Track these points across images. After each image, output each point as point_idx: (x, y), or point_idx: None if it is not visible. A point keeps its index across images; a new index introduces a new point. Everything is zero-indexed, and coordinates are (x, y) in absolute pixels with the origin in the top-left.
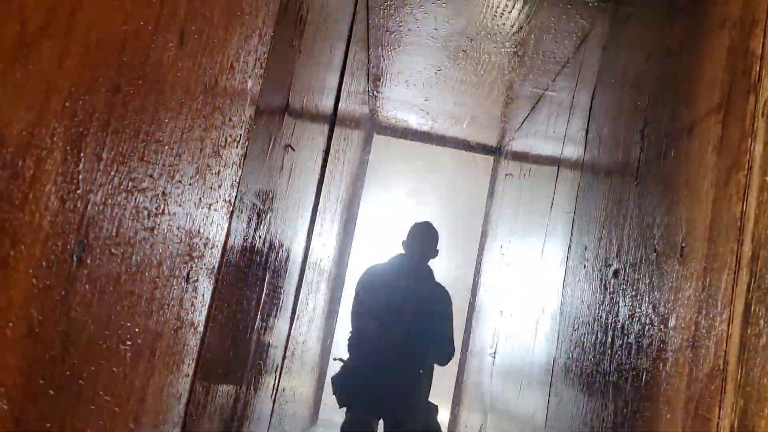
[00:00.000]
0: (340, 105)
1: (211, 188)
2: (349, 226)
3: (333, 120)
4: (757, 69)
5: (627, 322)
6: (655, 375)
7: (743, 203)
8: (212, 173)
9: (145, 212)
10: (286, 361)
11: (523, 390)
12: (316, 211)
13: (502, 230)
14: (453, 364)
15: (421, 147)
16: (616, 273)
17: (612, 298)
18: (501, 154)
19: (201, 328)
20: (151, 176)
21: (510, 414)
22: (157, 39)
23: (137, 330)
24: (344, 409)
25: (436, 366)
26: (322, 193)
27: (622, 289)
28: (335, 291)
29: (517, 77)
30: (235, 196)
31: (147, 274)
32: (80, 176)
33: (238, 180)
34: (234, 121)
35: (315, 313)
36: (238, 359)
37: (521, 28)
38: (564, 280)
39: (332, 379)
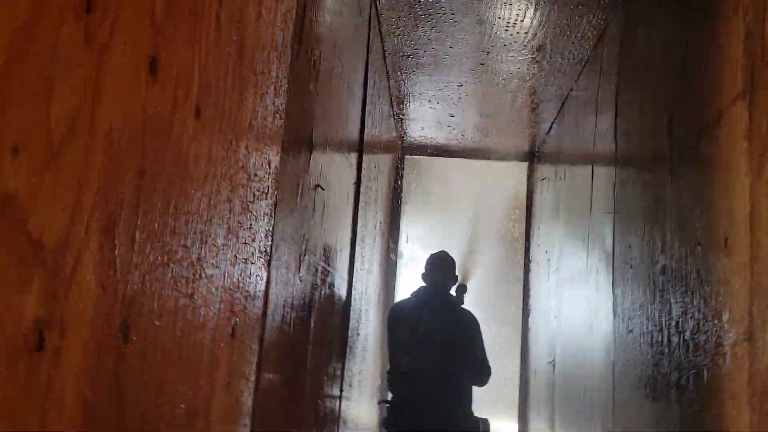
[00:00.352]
0: (366, 133)
1: (245, 243)
2: (391, 249)
3: (360, 150)
4: None
5: (681, 319)
6: (715, 371)
7: None
8: (244, 229)
9: (183, 280)
10: (344, 392)
11: (586, 396)
12: (355, 242)
13: (546, 236)
14: (515, 375)
15: (454, 162)
16: (663, 270)
17: (662, 295)
18: (535, 159)
19: (253, 379)
20: (184, 246)
21: (576, 421)
22: (175, 118)
23: (189, 392)
24: None
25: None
26: (358, 223)
27: (671, 286)
28: (384, 319)
29: (538, 82)
30: (271, 245)
31: (192, 337)
32: (117, 261)
33: (271, 229)
34: (260, 175)
35: (367, 343)
36: (294, 401)
37: (535, 35)
38: (613, 281)
39: (382, 423)
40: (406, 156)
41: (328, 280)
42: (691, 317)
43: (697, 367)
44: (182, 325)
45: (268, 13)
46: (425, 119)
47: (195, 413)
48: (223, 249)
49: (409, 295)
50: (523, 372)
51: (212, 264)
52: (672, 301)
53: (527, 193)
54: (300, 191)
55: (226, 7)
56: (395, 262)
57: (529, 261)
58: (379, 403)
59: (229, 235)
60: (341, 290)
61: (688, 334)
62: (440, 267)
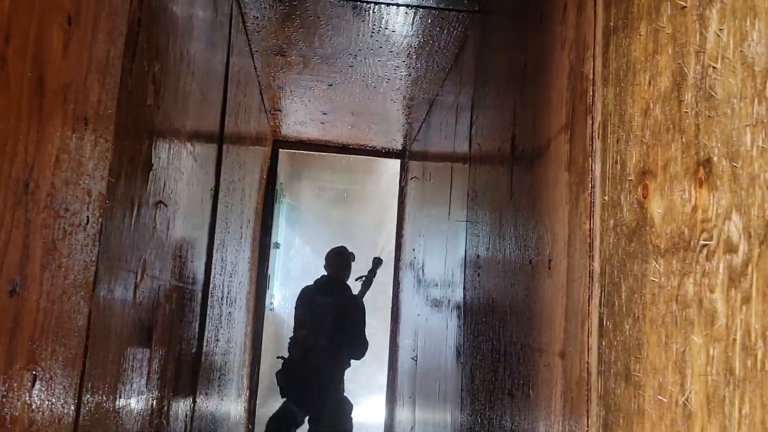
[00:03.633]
0: (231, 130)
1: (65, 278)
2: (266, 242)
3: (220, 150)
4: (591, 93)
5: (513, 330)
6: (539, 383)
7: (590, 221)
8: (50, 270)
9: None
10: (197, 404)
11: (441, 386)
12: (212, 248)
13: (413, 234)
14: (385, 368)
15: (329, 158)
16: (503, 283)
17: (503, 306)
18: (406, 157)
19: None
20: None
21: (432, 405)
22: None
23: None
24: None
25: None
26: (217, 228)
27: (511, 301)
28: (258, 317)
29: (407, 86)
30: (94, 276)
31: None
32: None
33: (95, 259)
34: (73, 209)
35: (230, 345)
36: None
37: (401, 43)
38: (464, 287)
39: (276, 374)
40: (281, 150)
41: (175, 295)
42: (522, 330)
43: (526, 378)
44: None
45: (83, 37)
46: (298, 115)
47: None
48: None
49: (312, 282)
50: (391, 363)
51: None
52: (509, 312)
53: (399, 190)
54: (136, 211)
55: (14, 45)
56: (267, 258)
57: (400, 258)
58: (278, 357)
59: (27, 282)
60: (194, 301)
61: (519, 346)
62: (332, 261)
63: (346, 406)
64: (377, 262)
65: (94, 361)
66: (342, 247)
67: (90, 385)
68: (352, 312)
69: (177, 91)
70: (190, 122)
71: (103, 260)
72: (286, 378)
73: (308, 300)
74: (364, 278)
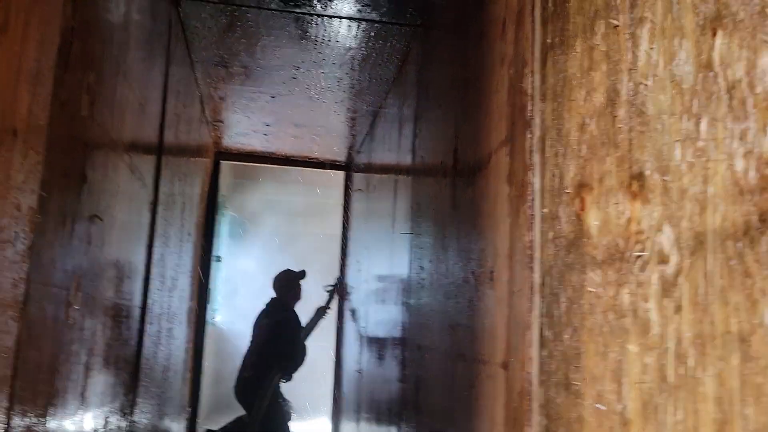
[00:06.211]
0: (169, 142)
1: None
2: (207, 256)
3: (159, 162)
4: (530, 108)
5: (458, 342)
6: (483, 394)
7: (531, 233)
8: None
9: None
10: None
11: (385, 399)
12: (150, 264)
13: (357, 246)
14: (330, 380)
15: (272, 170)
16: (446, 294)
17: (445, 319)
18: (351, 169)
19: None
20: None
21: (375, 417)
22: None
23: None
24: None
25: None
26: (155, 243)
27: (454, 312)
28: (199, 332)
29: (350, 98)
30: (24, 294)
31: None
32: None
33: (25, 276)
34: (2, 224)
35: (170, 362)
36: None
37: (344, 55)
38: (408, 300)
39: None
40: (223, 161)
41: (111, 312)
42: (465, 342)
43: (471, 386)
44: None
45: (12, 46)
46: (240, 126)
47: None
48: None
49: (264, 305)
50: (337, 376)
51: None
52: (452, 324)
53: (344, 202)
54: (69, 226)
55: None
56: (214, 265)
57: (345, 268)
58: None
59: None
60: (131, 318)
61: (463, 358)
62: (277, 285)
63: (287, 407)
64: (332, 290)
65: (24, 383)
66: (285, 270)
67: (20, 408)
68: (289, 327)
69: (113, 101)
70: (127, 134)
71: (33, 277)
72: (240, 384)
73: (256, 322)
74: (331, 287)
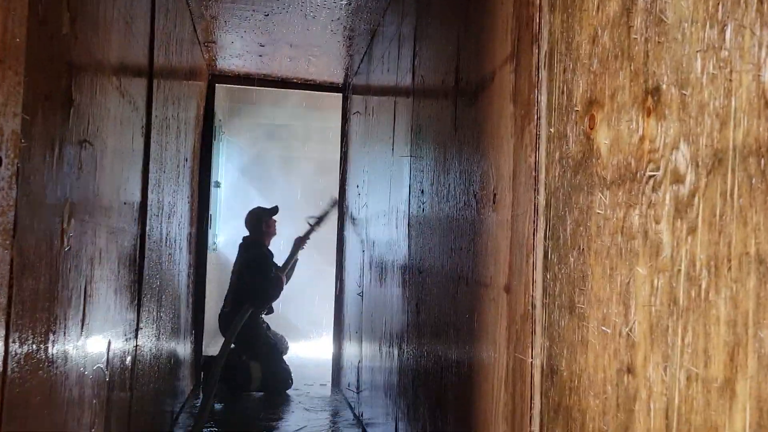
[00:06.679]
0: (161, 65)
1: None
2: (206, 181)
3: (150, 85)
4: (537, 20)
5: (460, 265)
6: (484, 317)
7: (536, 153)
8: None
9: None
10: (139, 347)
11: (386, 321)
12: (147, 190)
13: (356, 170)
14: (331, 304)
15: (270, 93)
16: (448, 218)
17: (446, 241)
18: (348, 91)
19: None
20: None
21: (378, 338)
22: None
23: None
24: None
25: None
26: (151, 169)
27: (455, 235)
28: (201, 258)
29: (346, 15)
30: (14, 221)
31: None
32: None
33: (13, 203)
34: None
35: (171, 288)
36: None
37: None
38: (408, 222)
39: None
40: (218, 84)
41: (108, 239)
42: (467, 265)
43: (471, 311)
44: None
45: None
46: (234, 47)
47: None
48: None
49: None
50: (339, 300)
51: None
52: (453, 247)
53: (342, 125)
54: (58, 151)
55: None
56: (213, 191)
57: (345, 193)
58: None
59: None
60: (129, 244)
61: (464, 281)
62: (249, 223)
63: (273, 352)
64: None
65: (21, 311)
66: (257, 208)
67: (18, 336)
68: (262, 262)
69: (97, 19)
70: (114, 54)
71: (23, 204)
72: (225, 315)
73: (239, 253)
74: (315, 218)
